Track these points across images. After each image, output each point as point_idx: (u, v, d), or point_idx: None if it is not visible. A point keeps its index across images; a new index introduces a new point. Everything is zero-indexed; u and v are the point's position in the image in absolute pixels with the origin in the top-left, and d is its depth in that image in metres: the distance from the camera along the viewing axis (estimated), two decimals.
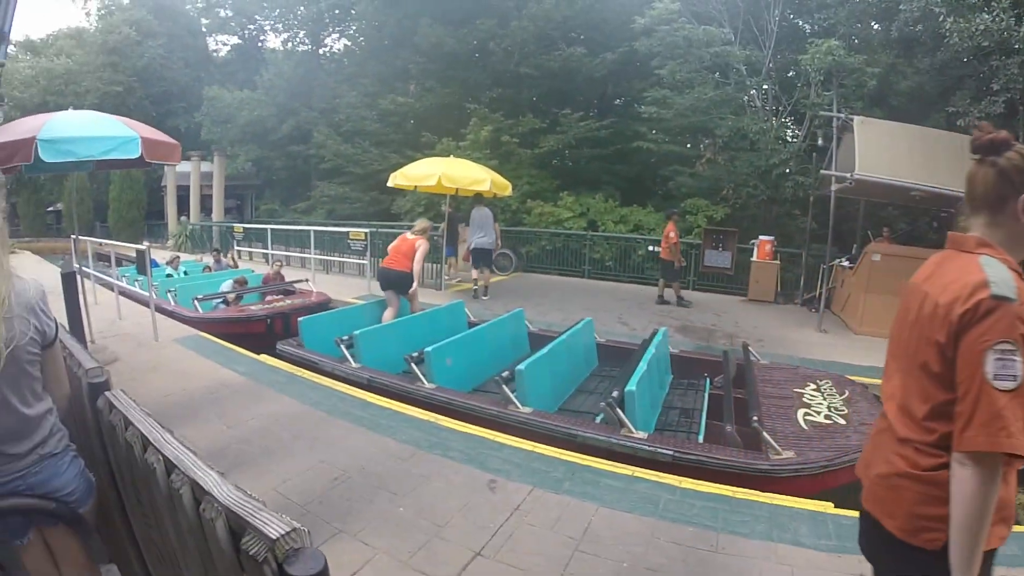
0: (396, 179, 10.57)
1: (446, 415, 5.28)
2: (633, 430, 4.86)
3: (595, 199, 16.41)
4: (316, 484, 3.92)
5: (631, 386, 5.06)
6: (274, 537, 1.16)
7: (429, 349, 6.07)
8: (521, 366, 5.53)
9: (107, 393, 2.05)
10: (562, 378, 6.41)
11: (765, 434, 4.76)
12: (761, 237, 12.81)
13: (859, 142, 9.32)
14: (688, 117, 15.56)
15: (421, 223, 8.47)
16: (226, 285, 11.02)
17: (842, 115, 9.92)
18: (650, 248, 14.30)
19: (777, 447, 4.70)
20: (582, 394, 6.62)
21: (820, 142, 11.55)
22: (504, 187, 11.43)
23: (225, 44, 36.90)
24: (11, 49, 25.08)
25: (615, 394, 5.01)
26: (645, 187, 18.15)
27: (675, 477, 4.22)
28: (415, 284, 8.09)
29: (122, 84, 28.18)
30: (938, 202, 10.64)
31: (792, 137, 15.07)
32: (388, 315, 8.08)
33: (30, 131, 5.32)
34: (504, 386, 5.45)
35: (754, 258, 12.78)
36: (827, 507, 3.83)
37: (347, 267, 14.06)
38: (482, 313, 9.73)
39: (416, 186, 11.25)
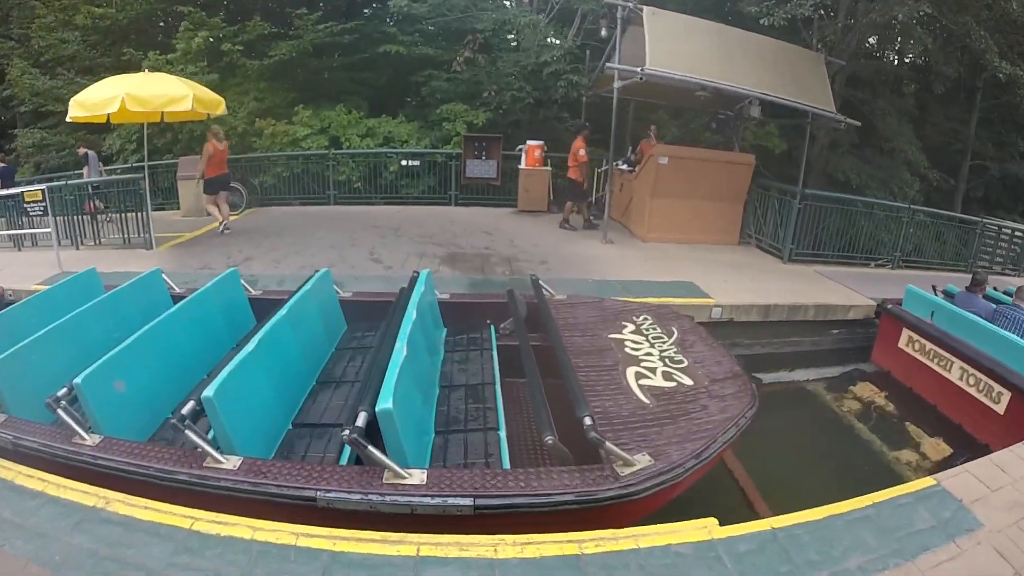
0: (74, 110, 7.81)
1: (120, 489, 2.96)
2: (401, 472, 2.77)
3: (336, 111, 13.26)
4: None
5: (385, 402, 2.80)
6: None
7: (79, 380, 3.17)
8: (210, 390, 2.93)
9: None
10: (287, 384, 3.85)
11: (610, 445, 2.86)
12: (529, 142, 11.59)
13: (649, 35, 8.09)
14: (445, 16, 13.68)
15: None
16: None
17: (629, 4, 8.43)
18: (404, 162, 12.36)
19: (626, 456, 2.91)
20: (324, 392, 4.12)
21: (603, 32, 10.04)
22: (214, 104, 8.66)
23: None
24: None
25: (360, 421, 2.79)
26: (396, 96, 15.69)
27: (485, 540, 2.63)
28: None
29: None
30: (723, 103, 10.05)
31: (560, 36, 13.57)
32: None
33: None
34: (188, 431, 2.88)
35: (522, 165, 11.59)
36: (711, 529, 2.79)
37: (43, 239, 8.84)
38: (190, 276, 6.63)
39: (108, 116, 8.06)
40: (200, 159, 9.16)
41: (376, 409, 2.71)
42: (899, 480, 4.82)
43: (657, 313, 4.93)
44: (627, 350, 4.21)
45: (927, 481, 3.28)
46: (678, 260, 8.39)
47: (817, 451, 5.54)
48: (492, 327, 5.09)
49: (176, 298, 4.96)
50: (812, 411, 6.20)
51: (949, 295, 6.61)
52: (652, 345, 4.27)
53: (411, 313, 3.82)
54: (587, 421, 2.86)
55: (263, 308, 4.79)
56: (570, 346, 4.21)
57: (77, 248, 8.50)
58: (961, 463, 3.49)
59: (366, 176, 12.38)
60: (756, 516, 4.24)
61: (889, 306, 6.53)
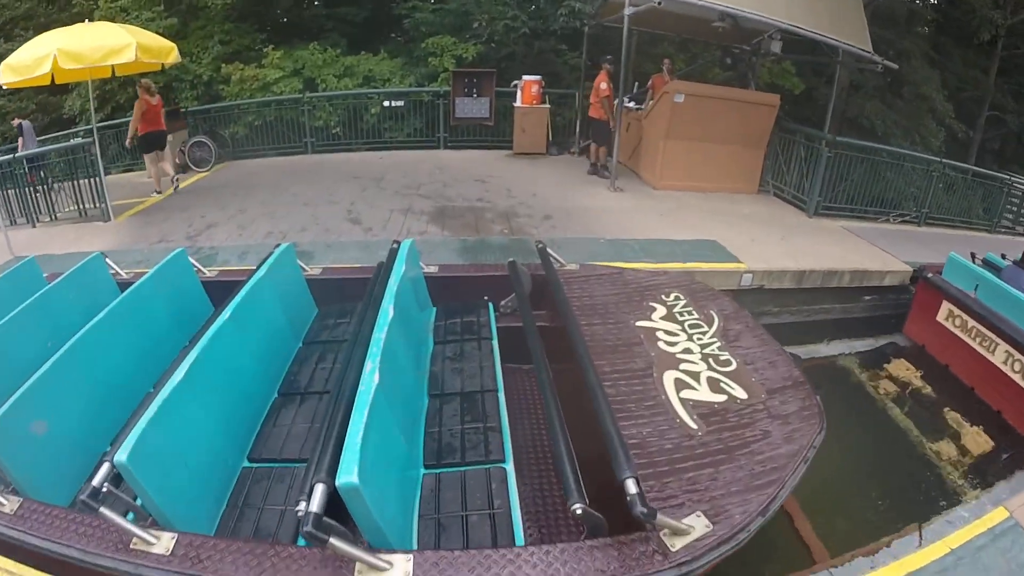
0: (5, 76, 6.75)
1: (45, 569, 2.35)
2: (378, 563, 2.04)
3: (310, 51, 11.99)
4: None
5: (348, 474, 1.99)
6: None
7: None
8: (123, 452, 2.13)
9: None
10: (237, 409, 3.06)
11: (663, 517, 2.16)
12: (525, 78, 10.50)
13: None
14: None
15: None
16: None
17: None
18: (386, 103, 11.21)
19: (679, 525, 2.22)
20: (288, 408, 3.35)
21: None
22: (164, 52, 7.56)
23: None
24: None
25: (315, 502, 2.01)
26: (377, 32, 14.39)
27: None
28: None
29: None
30: (740, 37, 9.00)
31: None
32: None
33: None
34: (103, 510, 2.13)
35: (517, 103, 10.55)
36: None
37: None
38: (144, 253, 5.89)
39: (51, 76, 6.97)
40: (132, 117, 8.26)
41: (337, 484, 1.97)
42: (943, 483, 4.51)
43: (690, 290, 4.15)
44: (661, 345, 3.46)
45: (999, 515, 3.05)
46: (696, 213, 7.60)
47: (855, 447, 4.96)
48: (491, 304, 4.33)
49: (124, 286, 4.08)
50: (847, 393, 5.59)
51: (991, 265, 5.90)
52: (690, 338, 3.52)
53: (387, 309, 3.02)
54: (631, 487, 2.13)
55: (220, 292, 3.96)
56: (590, 338, 3.48)
57: (34, 226, 7.57)
58: (1004, 460, 3.28)
59: (345, 120, 11.27)
60: (803, 544, 3.70)
61: (929, 275, 5.82)
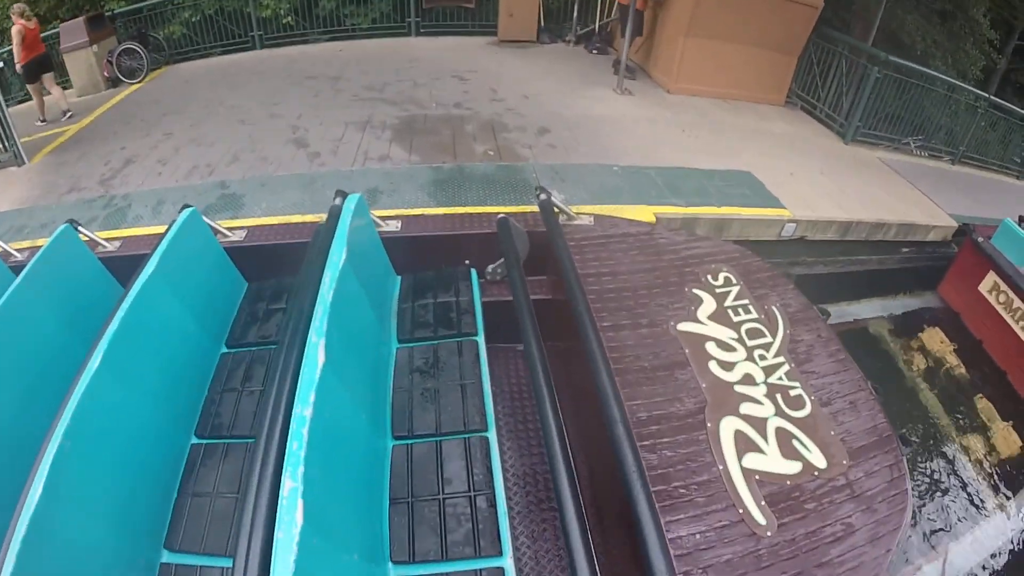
0: None
1: None
2: None
3: None
4: None
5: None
6: None
7: None
8: None
9: None
10: (136, 484, 2.15)
11: None
12: None
13: None
14: None
15: None
16: None
17: None
18: None
19: None
20: (209, 461, 2.48)
21: None
22: None
23: None
24: None
25: None
26: None
27: None
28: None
29: None
30: None
31: None
32: None
33: None
34: None
35: None
36: None
37: None
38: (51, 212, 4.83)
39: None
40: (13, 47, 6.91)
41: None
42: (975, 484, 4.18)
43: (743, 269, 3.18)
44: (714, 368, 2.55)
45: None
46: (722, 129, 6.46)
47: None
48: (473, 271, 3.33)
49: (17, 268, 2.97)
50: (878, 365, 4.96)
51: None
52: (750, 354, 2.62)
53: (322, 326, 2.00)
54: None
55: (128, 270, 2.84)
56: (616, 354, 2.59)
57: None
58: None
59: (298, 7, 9.29)
60: None
61: (979, 239, 5.01)
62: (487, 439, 2.33)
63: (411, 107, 6.43)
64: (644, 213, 4.43)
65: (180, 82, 8.20)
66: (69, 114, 7.28)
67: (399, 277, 3.28)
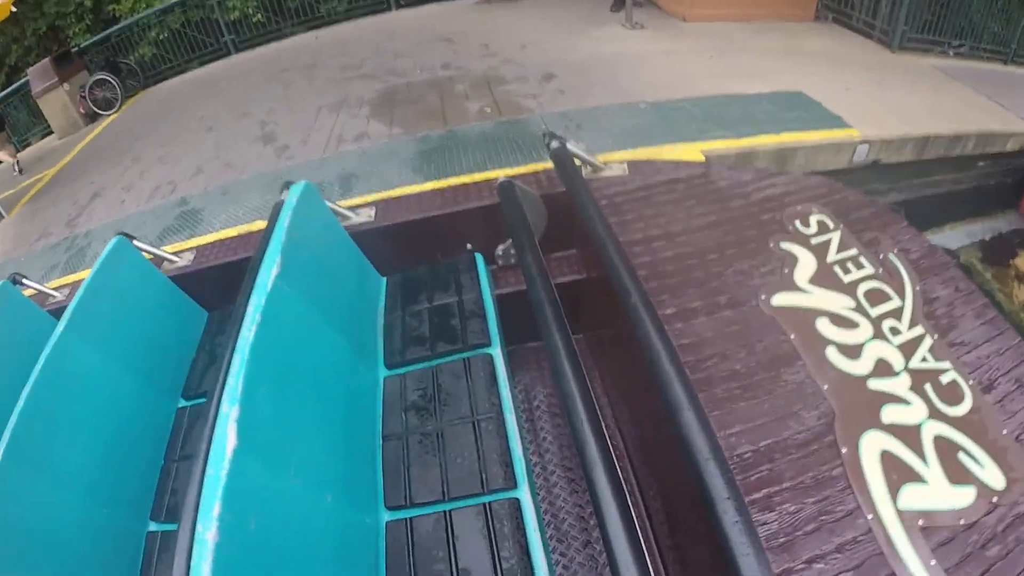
0: None
1: None
2: None
3: None
4: None
5: None
6: None
7: None
8: None
9: None
10: None
11: None
12: None
13: None
14: None
15: None
16: None
17: None
18: None
19: None
20: (166, 559, 1.89)
21: None
22: None
23: None
24: None
25: None
26: None
27: None
28: None
29: None
30: None
31: None
32: None
33: None
34: None
35: None
36: None
37: None
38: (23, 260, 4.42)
39: None
40: None
41: None
42: None
43: (836, 205, 2.40)
44: (834, 358, 1.81)
45: None
46: (751, 53, 5.60)
47: None
48: (478, 257, 2.64)
49: None
50: None
51: None
52: (878, 327, 1.89)
53: (235, 388, 1.36)
54: None
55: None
56: (686, 349, 1.88)
57: None
58: None
59: (267, 3, 8.70)
60: None
61: None
62: (517, 503, 1.65)
63: (391, 78, 5.73)
64: (690, 152, 3.58)
65: (155, 104, 7.75)
66: (17, 168, 7.08)
67: (383, 279, 2.63)
